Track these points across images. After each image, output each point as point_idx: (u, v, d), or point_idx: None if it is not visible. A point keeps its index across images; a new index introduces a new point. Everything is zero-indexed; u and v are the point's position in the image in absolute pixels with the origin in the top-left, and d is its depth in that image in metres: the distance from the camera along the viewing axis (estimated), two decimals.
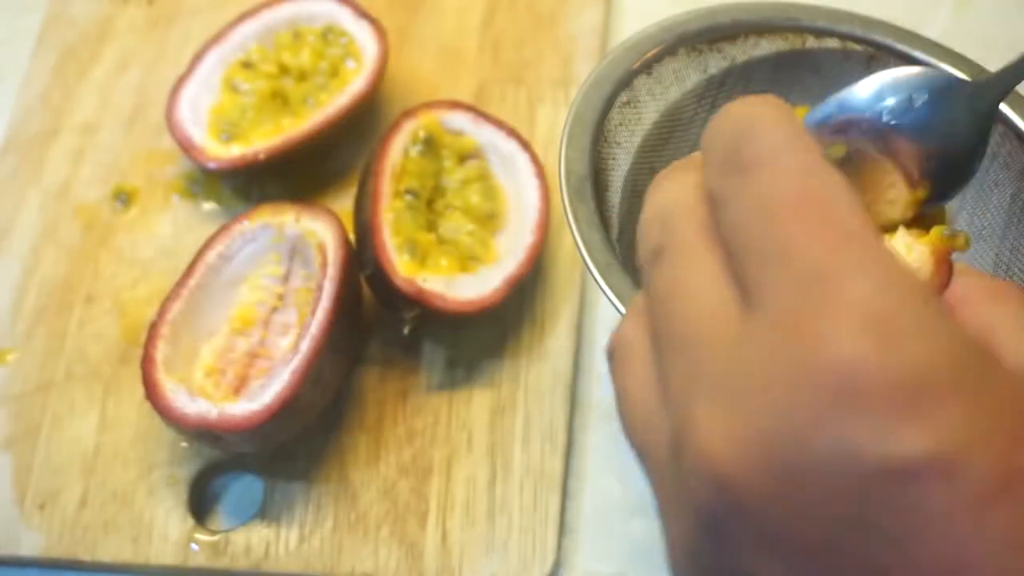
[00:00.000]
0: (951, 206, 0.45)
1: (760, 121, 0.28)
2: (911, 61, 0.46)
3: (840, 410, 0.23)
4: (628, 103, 0.46)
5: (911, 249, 0.35)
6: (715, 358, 0.26)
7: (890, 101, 0.35)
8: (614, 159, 0.46)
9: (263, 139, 0.57)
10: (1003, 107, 0.45)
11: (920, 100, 0.36)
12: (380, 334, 0.55)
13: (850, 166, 0.35)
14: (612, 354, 0.31)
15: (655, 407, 0.28)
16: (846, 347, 0.23)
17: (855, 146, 0.35)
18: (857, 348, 0.23)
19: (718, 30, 0.47)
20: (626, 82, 0.46)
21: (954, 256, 0.35)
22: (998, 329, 0.29)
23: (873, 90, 0.36)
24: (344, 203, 0.58)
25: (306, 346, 0.49)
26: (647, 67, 0.46)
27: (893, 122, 0.35)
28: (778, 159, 0.27)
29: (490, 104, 0.62)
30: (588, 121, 0.44)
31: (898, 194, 0.36)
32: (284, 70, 0.60)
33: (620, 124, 0.46)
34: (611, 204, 0.45)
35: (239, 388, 0.50)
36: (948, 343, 0.24)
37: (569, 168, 0.43)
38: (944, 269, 0.34)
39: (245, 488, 0.53)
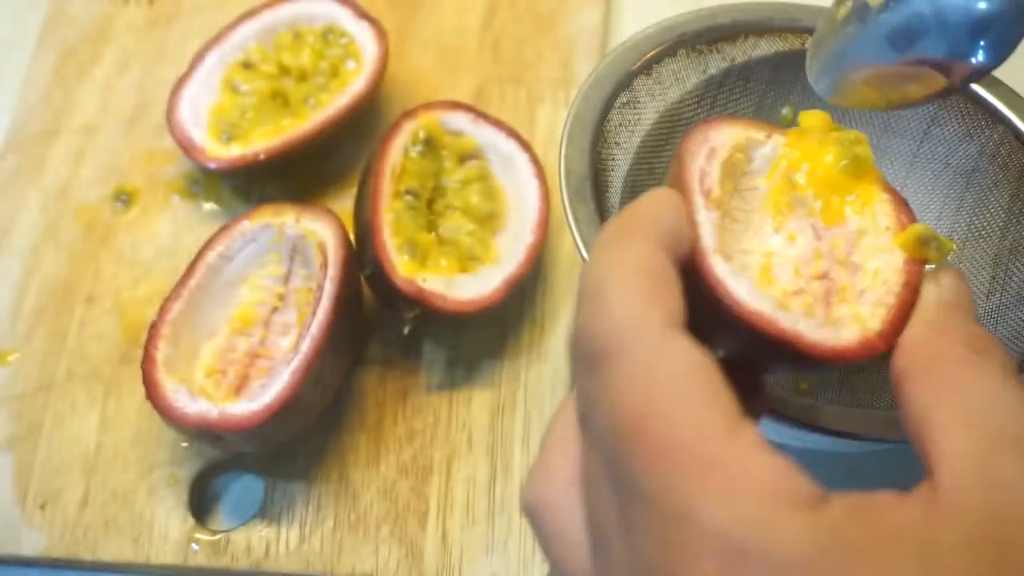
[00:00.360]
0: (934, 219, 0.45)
1: (602, 295, 0.28)
2: None
3: None
4: (628, 104, 0.46)
5: (888, 253, 0.33)
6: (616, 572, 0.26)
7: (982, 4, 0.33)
8: (614, 159, 0.46)
9: (263, 139, 0.57)
10: (1002, 108, 0.45)
11: None
12: (380, 334, 0.55)
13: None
14: (535, 511, 0.31)
15: None
16: None
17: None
18: None
19: (718, 31, 0.47)
20: (626, 83, 0.46)
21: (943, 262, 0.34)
22: (932, 422, 0.28)
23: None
24: (344, 203, 0.58)
25: (306, 346, 0.49)
26: (647, 68, 0.46)
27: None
28: (617, 362, 0.27)
29: (490, 104, 0.62)
30: (588, 121, 0.45)
31: (932, 76, 0.34)
32: (284, 70, 0.60)
33: (620, 124, 0.46)
34: (611, 204, 0.45)
35: (239, 388, 0.50)
36: (806, 566, 0.23)
37: (569, 168, 0.43)
38: (910, 292, 0.33)
39: (245, 488, 0.53)
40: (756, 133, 0.36)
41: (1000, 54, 0.34)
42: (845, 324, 0.32)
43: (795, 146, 0.36)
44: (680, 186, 0.34)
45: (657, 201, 0.32)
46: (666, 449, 0.25)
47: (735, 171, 0.35)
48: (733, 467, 0.25)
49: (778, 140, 0.36)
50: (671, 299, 0.29)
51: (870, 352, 0.32)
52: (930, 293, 0.33)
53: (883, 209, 0.34)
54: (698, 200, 0.33)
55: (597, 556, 0.28)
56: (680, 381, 0.26)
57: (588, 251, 0.41)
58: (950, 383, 0.28)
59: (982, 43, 0.33)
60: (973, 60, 0.34)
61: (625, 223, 0.31)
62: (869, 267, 0.34)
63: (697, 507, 0.24)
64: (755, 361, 0.33)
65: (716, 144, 0.35)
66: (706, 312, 0.31)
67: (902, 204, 0.35)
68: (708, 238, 0.32)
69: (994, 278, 0.44)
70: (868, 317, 0.32)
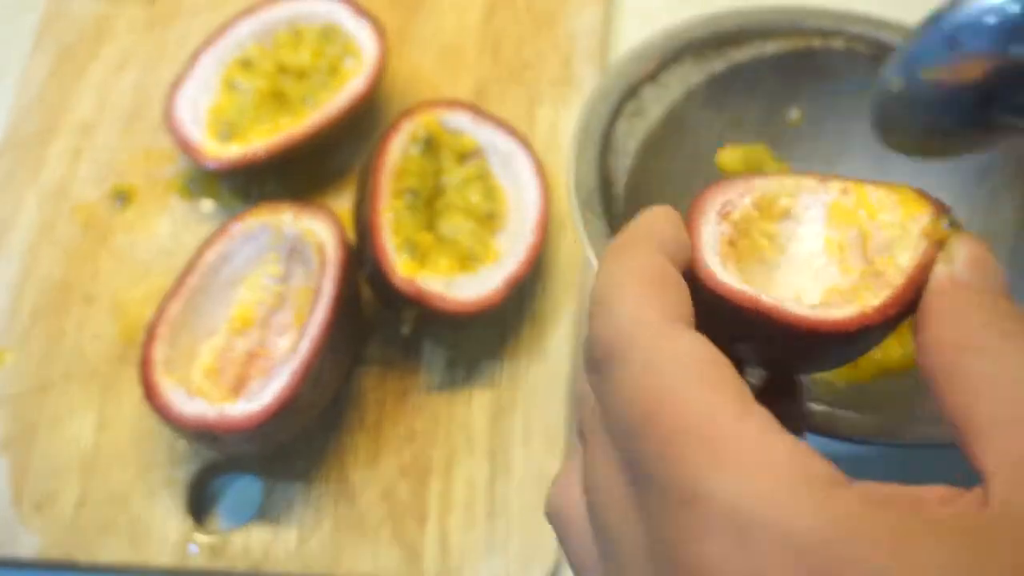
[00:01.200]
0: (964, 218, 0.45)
1: (607, 302, 0.29)
2: None
3: None
4: (635, 113, 0.46)
5: (914, 251, 0.31)
6: (627, 569, 0.27)
7: None
8: (623, 169, 0.46)
9: (262, 138, 0.57)
10: None
11: None
12: (380, 334, 0.55)
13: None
14: (552, 517, 0.32)
15: None
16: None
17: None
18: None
19: (724, 36, 0.47)
20: (632, 92, 0.46)
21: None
22: (973, 426, 0.26)
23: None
24: (344, 203, 0.58)
25: (305, 346, 0.49)
26: (653, 75, 0.46)
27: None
28: (623, 360, 0.27)
29: (490, 104, 0.61)
30: (595, 132, 0.44)
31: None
32: (283, 69, 0.60)
33: (627, 134, 0.46)
34: (620, 214, 0.45)
35: (238, 388, 0.50)
36: (812, 549, 0.23)
37: (578, 180, 0.43)
38: (919, 272, 0.31)
39: (244, 489, 0.53)
40: (808, 181, 0.34)
41: None
42: (845, 305, 0.31)
43: (848, 191, 0.34)
44: (694, 208, 0.33)
45: (655, 213, 0.32)
46: (674, 432, 0.25)
47: (772, 212, 0.34)
48: (743, 445, 0.24)
49: (833, 187, 0.34)
50: (674, 297, 0.29)
51: (862, 322, 0.30)
52: (941, 274, 0.30)
53: (921, 218, 0.33)
54: (711, 215, 0.33)
55: (607, 562, 0.28)
56: (684, 367, 0.26)
57: (599, 258, 0.41)
58: (979, 381, 0.27)
59: None
60: None
61: (625, 236, 0.31)
62: (896, 262, 0.32)
63: (705, 485, 0.24)
64: (765, 359, 0.33)
65: (752, 187, 0.34)
66: (707, 313, 0.30)
67: (940, 207, 0.33)
68: (708, 239, 0.32)
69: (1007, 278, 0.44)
70: (871, 297, 0.31)
